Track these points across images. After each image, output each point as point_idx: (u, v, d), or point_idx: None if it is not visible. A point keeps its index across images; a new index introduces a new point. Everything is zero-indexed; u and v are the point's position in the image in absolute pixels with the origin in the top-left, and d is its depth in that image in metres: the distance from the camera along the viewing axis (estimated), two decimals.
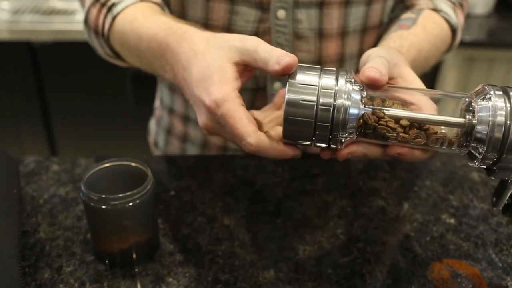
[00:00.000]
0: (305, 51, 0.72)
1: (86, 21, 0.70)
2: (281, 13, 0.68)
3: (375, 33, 0.77)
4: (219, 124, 0.49)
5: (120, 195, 0.52)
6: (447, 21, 0.72)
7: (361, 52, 0.76)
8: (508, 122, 0.42)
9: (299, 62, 0.72)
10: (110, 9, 0.66)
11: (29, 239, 0.61)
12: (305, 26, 0.70)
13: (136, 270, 0.57)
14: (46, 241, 0.60)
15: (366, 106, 0.46)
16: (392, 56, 0.52)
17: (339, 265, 0.58)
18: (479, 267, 0.59)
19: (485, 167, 0.45)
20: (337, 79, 0.45)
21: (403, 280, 0.56)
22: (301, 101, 0.44)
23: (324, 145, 0.47)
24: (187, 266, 0.57)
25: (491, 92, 0.44)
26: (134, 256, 0.57)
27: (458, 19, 0.74)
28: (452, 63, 1.83)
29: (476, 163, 0.45)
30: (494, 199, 0.48)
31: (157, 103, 0.95)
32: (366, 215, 0.67)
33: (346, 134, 0.45)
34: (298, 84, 0.45)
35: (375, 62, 0.49)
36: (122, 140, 2.00)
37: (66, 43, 1.77)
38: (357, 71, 0.78)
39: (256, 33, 0.70)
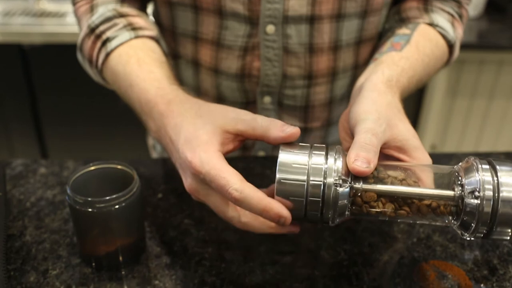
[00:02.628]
0: (295, 66, 0.71)
1: (80, 49, 0.70)
2: (270, 28, 0.68)
3: (371, 44, 0.75)
4: (204, 185, 0.49)
5: (106, 198, 0.52)
6: (444, 36, 0.69)
7: (356, 65, 0.75)
8: (496, 196, 0.43)
9: (289, 76, 0.72)
10: (104, 43, 0.65)
11: (15, 243, 0.60)
12: (295, 41, 0.69)
13: (123, 273, 0.57)
14: (32, 244, 0.60)
15: (355, 186, 0.46)
16: (381, 120, 0.50)
17: (326, 267, 0.58)
18: (465, 268, 0.59)
19: (475, 239, 0.47)
20: (326, 158, 0.46)
21: (389, 282, 0.57)
22: (292, 179, 0.45)
23: (315, 222, 0.48)
24: (173, 268, 0.57)
25: (479, 166, 0.45)
26: (120, 259, 0.57)
27: (456, 32, 0.72)
28: None
29: (467, 236, 0.46)
30: None
31: None
32: None
33: (337, 212, 0.46)
34: (288, 163, 0.46)
35: (361, 147, 0.47)
36: (113, 141, 1.99)
37: (56, 45, 1.77)
38: (351, 85, 0.77)
39: (246, 48, 0.70)
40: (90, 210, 0.52)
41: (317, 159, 0.46)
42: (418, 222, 0.48)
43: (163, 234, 0.63)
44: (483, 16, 2.03)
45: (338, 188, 0.45)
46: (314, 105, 0.76)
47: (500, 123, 2.01)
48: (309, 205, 0.46)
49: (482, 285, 0.57)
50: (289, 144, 0.48)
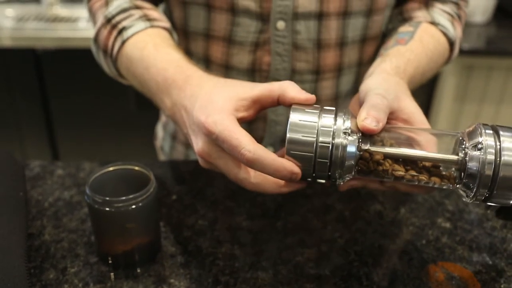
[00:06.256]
0: (304, 61, 0.73)
1: (95, 39, 0.72)
2: (280, 24, 0.70)
3: (375, 43, 0.78)
4: (216, 147, 0.50)
5: (124, 198, 0.54)
6: (445, 34, 0.73)
7: (360, 61, 0.78)
8: (497, 160, 0.45)
9: (298, 71, 0.75)
10: (120, 32, 0.67)
11: (35, 241, 0.62)
12: (304, 37, 0.71)
13: (139, 271, 0.58)
14: (51, 243, 0.62)
15: (362, 146, 0.48)
16: (390, 91, 0.54)
17: (337, 268, 0.60)
18: (474, 270, 0.60)
19: (477, 202, 0.48)
20: (335, 119, 0.48)
21: (399, 282, 0.58)
22: (302, 139, 0.47)
23: (323, 180, 0.49)
24: (188, 268, 0.59)
25: (482, 131, 0.47)
26: (136, 258, 0.59)
27: (456, 32, 0.75)
28: (451, 71, 1.84)
29: (469, 199, 0.48)
30: None
31: None
32: (364, 219, 0.68)
33: (345, 171, 0.48)
34: (299, 123, 0.47)
35: (373, 106, 0.50)
36: (124, 145, 2.01)
37: (69, 50, 1.79)
38: (356, 82, 0.80)
39: (256, 43, 0.72)
40: (108, 209, 0.54)
41: (327, 120, 0.47)
42: (422, 184, 0.49)
43: (178, 234, 0.64)
44: (491, 22, 2.04)
45: (347, 137, 0.46)
46: (321, 99, 0.78)
47: None
48: (318, 164, 0.47)
49: (490, 286, 0.58)
50: (301, 105, 0.49)
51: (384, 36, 0.78)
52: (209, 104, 0.51)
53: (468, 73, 1.87)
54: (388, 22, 0.79)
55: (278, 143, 0.81)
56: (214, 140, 0.49)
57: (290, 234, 0.65)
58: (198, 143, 0.52)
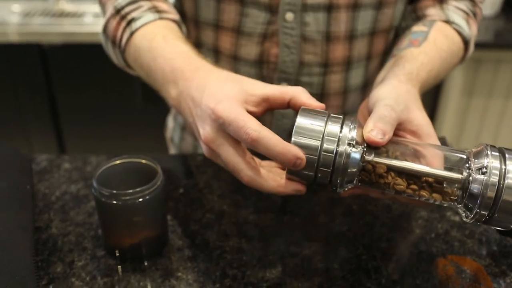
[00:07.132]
0: (312, 53, 0.73)
1: (104, 30, 0.71)
2: (289, 16, 0.70)
3: (385, 37, 0.77)
4: (221, 133, 0.50)
5: (131, 191, 0.54)
6: (459, 33, 0.71)
7: (370, 55, 0.77)
8: (501, 183, 0.44)
9: (306, 63, 0.74)
10: (129, 23, 0.67)
11: (42, 235, 0.62)
12: (313, 29, 0.71)
13: (146, 264, 0.58)
14: (58, 237, 0.62)
15: (366, 156, 0.48)
16: (400, 101, 0.53)
17: (345, 261, 0.59)
18: (483, 263, 0.59)
19: (478, 223, 0.48)
20: (342, 127, 0.47)
21: (408, 276, 0.57)
22: (306, 143, 0.47)
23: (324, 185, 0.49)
24: (195, 261, 0.59)
25: (488, 153, 0.46)
26: (143, 251, 0.58)
27: (471, 30, 0.73)
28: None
29: (469, 219, 0.47)
30: None
31: None
32: (372, 212, 0.68)
33: (346, 180, 0.48)
34: (305, 127, 0.47)
35: (380, 118, 0.50)
36: (130, 140, 2.02)
37: (75, 45, 1.79)
38: (365, 76, 0.79)
39: (265, 35, 0.72)
40: (115, 202, 0.54)
41: (333, 126, 0.47)
42: (423, 199, 0.49)
43: (185, 227, 0.64)
44: (499, 15, 2.02)
45: (351, 148, 0.46)
46: (329, 93, 0.77)
47: None
48: (320, 170, 0.47)
49: (500, 280, 0.57)
50: (308, 109, 0.49)
51: (397, 34, 0.77)
52: (220, 92, 0.51)
53: (476, 67, 1.86)
54: (402, 19, 0.77)
55: (285, 136, 0.80)
56: (221, 124, 0.49)
57: (297, 227, 0.65)
58: (205, 128, 0.51)
